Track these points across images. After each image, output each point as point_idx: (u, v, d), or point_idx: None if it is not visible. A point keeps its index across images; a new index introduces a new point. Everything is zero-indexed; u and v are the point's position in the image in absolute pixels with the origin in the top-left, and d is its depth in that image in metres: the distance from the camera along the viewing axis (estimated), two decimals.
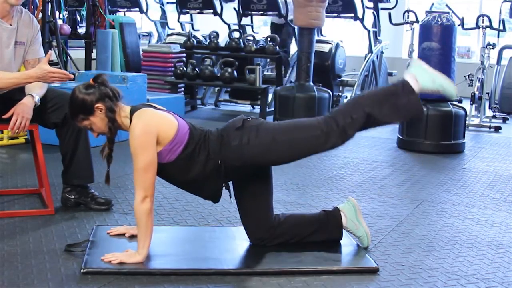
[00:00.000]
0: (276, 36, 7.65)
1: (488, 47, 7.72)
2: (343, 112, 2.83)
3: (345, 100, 7.98)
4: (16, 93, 3.41)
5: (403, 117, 2.96)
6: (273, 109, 7.09)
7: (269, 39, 7.63)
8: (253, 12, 8.26)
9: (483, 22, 7.81)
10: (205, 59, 7.60)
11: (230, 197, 2.98)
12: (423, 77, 2.86)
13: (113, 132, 2.81)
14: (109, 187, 3.98)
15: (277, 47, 7.40)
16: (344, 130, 2.78)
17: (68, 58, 7.41)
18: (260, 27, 10.89)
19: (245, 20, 8.64)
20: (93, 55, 7.49)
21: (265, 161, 2.85)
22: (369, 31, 8.27)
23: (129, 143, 2.70)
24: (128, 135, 2.76)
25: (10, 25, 3.39)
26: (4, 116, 3.28)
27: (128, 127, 2.78)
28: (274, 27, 8.70)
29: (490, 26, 7.81)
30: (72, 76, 3.22)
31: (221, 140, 2.84)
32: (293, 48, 9.10)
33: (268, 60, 8.36)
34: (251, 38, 7.68)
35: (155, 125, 2.73)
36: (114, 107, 2.79)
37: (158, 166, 2.76)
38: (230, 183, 2.94)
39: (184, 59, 7.86)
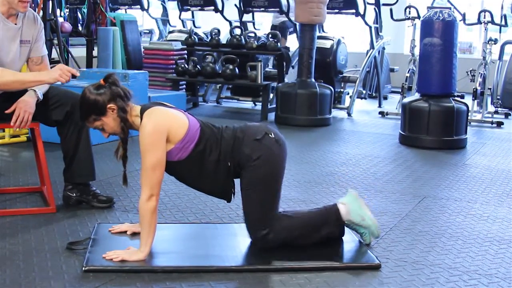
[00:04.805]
0: (277, 32, 7.64)
1: (490, 42, 7.69)
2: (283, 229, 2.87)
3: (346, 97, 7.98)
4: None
5: (319, 241, 2.97)
6: (274, 105, 7.07)
7: (270, 35, 7.62)
8: (255, 9, 8.25)
9: (484, 18, 7.78)
10: (207, 56, 7.58)
11: (233, 195, 2.99)
12: (355, 211, 2.96)
13: (126, 132, 2.81)
14: (111, 184, 4.00)
15: (279, 44, 7.39)
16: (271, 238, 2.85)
17: (70, 56, 7.42)
18: (262, 23, 10.86)
19: (247, 17, 8.62)
20: (95, 53, 7.49)
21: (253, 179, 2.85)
22: (370, 27, 8.25)
23: (139, 141, 2.70)
24: (137, 133, 2.77)
25: (15, 24, 3.40)
26: (6, 111, 3.27)
27: (138, 126, 2.78)
28: (274, 29, 8.66)
29: (492, 22, 7.78)
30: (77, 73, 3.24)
31: (234, 142, 2.84)
32: (290, 42, 9.11)
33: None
34: (252, 34, 7.66)
35: (165, 124, 2.74)
36: (126, 107, 2.80)
37: (169, 164, 2.77)
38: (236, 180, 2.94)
39: (186, 56, 7.84)
